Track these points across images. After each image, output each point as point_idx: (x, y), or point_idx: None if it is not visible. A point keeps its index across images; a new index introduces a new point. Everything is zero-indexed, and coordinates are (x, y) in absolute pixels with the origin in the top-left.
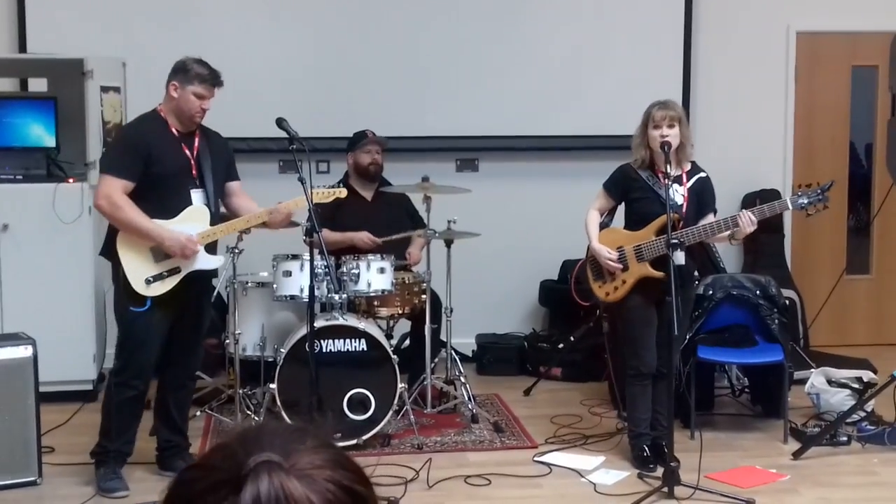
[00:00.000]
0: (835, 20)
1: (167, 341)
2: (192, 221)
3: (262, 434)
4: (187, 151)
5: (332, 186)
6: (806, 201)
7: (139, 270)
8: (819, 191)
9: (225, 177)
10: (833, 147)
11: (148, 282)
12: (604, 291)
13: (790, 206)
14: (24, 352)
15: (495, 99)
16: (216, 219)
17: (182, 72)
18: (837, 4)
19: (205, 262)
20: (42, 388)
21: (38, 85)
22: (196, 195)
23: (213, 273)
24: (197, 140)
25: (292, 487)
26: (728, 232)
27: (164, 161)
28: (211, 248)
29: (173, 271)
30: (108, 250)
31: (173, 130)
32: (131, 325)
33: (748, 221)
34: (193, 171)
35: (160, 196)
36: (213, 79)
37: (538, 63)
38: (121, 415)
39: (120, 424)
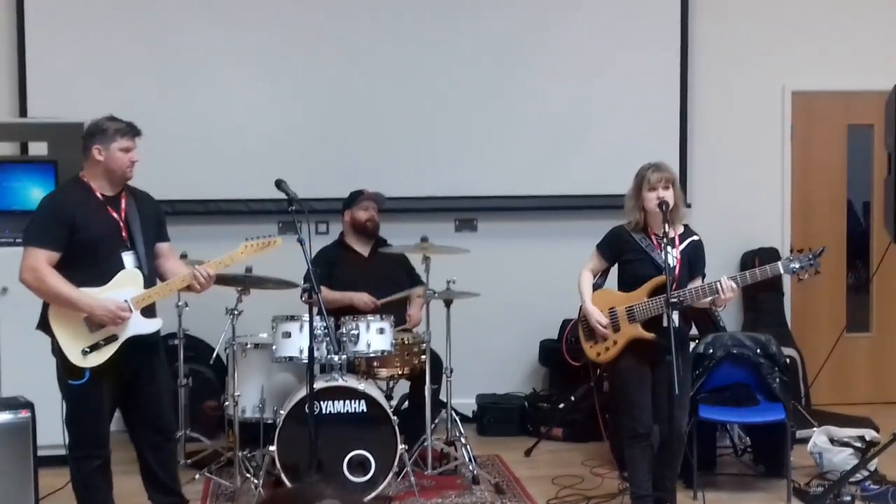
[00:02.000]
0: (829, 79)
1: (129, 407)
2: (126, 286)
3: (317, 486)
4: (114, 214)
5: (265, 237)
6: (798, 266)
7: (74, 341)
8: (811, 256)
9: (155, 238)
10: (831, 205)
11: (84, 352)
12: (595, 352)
13: (782, 271)
14: (22, 416)
15: (493, 159)
16: (150, 281)
17: (99, 133)
18: (832, 64)
19: (142, 326)
20: (40, 452)
21: (38, 149)
22: (128, 258)
23: (158, 335)
24: (124, 202)
25: None
26: (709, 298)
27: (90, 226)
28: (149, 311)
29: (110, 339)
30: (43, 323)
31: (98, 195)
32: (75, 399)
33: (728, 288)
34: (123, 234)
35: (90, 262)
36: (132, 129)
37: (536, 124)
38: (92, 486)
39: (94, 495)
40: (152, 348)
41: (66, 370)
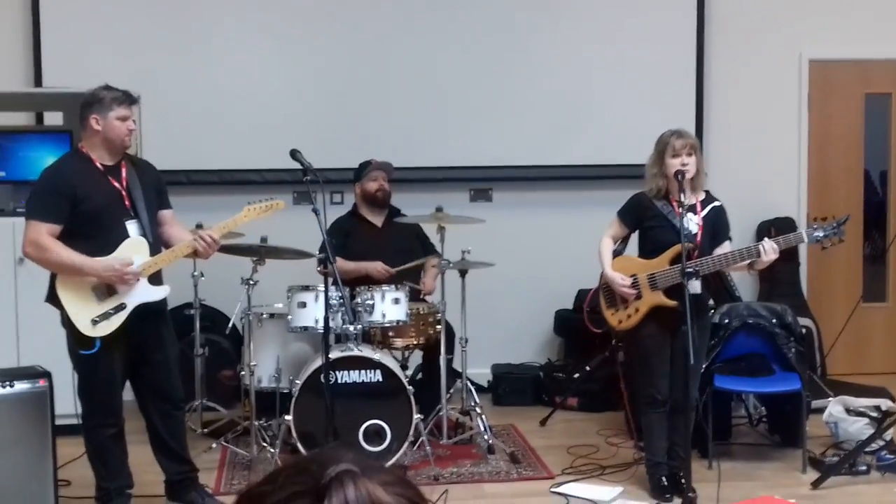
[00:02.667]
0: (847, 48)
1: (138, 376)
2: (131, 254)
3: (333, 451)
4: (116, 183)
5: (267, 199)
6: (822, 234)
7: (84, 312)
8: (835, 224)
9: (158, 205)
10: (847, 175)
11: (94, 322)
12: (616, 319)
13: (806, 240)
14: (39, 385)
15: (509, 129)
16: (156, 248)
17: (96, 103)
18: (850, 32)
19: (150, 293)
20: (58, 422)
21: (53, 118)
22: (131, 226)
23: (165, 303)
24: (124, 171)
25: (379, 494)
26: (747, 261)
27: (93, 197)
28: (155, 279)
29: (119, 308)
30: (52, 296)
31: (98, 165)
32: (87, 369)
33: (771, 249)
34: (126, 202)
35: (95, 232)
36: (128, 98)
37: (551, 93)
38: (107, 455)
39: (110, 464)
40: (160, 316)
41: (76, 341)
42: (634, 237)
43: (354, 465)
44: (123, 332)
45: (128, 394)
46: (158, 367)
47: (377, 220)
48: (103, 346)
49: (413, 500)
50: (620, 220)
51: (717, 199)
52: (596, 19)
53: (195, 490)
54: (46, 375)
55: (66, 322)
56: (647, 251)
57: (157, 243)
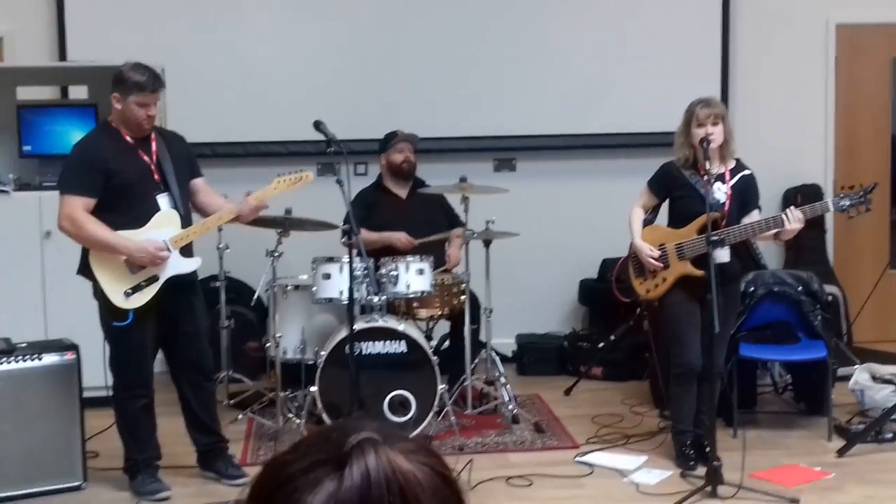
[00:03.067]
0: (875, 11)
1: (170, 347)
2: (163, 227)
3: (356, 421)
4: (145, 157)
5: (296, 171)
6: (848, 203)
7: (116, 284)
8: (862, 193)
9: (189, 176)
10: (875, 140)
11: (127, 294)
12: (644, 288)
13: (832, 208)
14: (68, 358)
15: (532, 98)
16: (187, 220)
17: (120, 83)
18: None
19: (182, 265)
20: (86, 394)
21: (78, 92)
22: (163, 199)
23: (196, 275)
24: (154, 144)
25: (400, 461)
26: (773, 231)
27: (124, 171)
28: (186, 251)
29: (151, 280)
30: (84, 268)
31: (127, 139)
32: (119, 341)
33: (796, 218)
34: (156, 176)
35: (127, 206)
36: (152, 84)
37: (575, 61)
38: (136, 426)
39: (139, 435)
40: (191, 288)
41: (109, 312)
42: (664, 208)
43: (376, 434)
44: (156, 304)
45: (158, 365)
46: (190, 338)
47: (402, 191)
48: (136, 318)
49: (436, 468)
50: (650, 190)
51: (747, 168)
52: None
53: (222, 460)
54: (74, 348)
55: (99, 294)
56: (675, 220)
57: (189, 215)
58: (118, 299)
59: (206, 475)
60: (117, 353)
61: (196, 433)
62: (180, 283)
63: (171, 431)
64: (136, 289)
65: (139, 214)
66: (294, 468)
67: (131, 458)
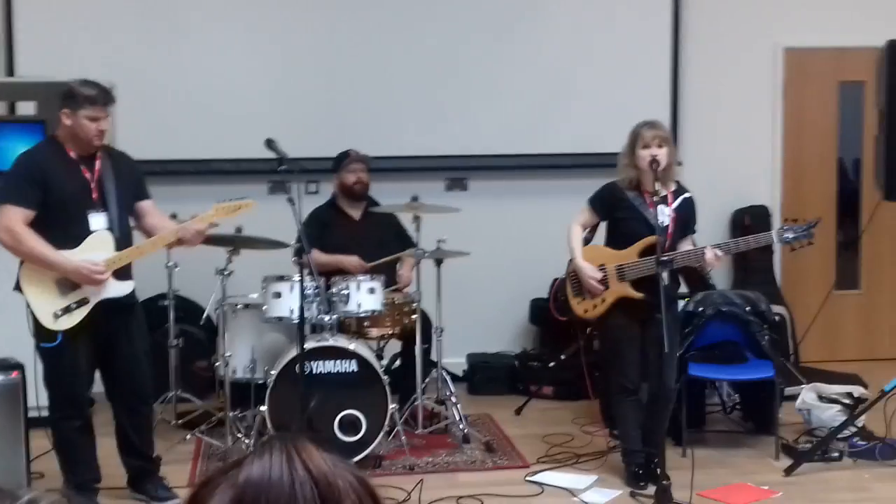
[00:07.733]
0: (822, 36)
1: (106, 369)
2: (96, 250)
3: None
4: (87, 174)
5: (237, 199)
6: (791, 236)
7: (46, 305)
8: (805, 227)
9: (133, 197)
10: (822, 163)
11: (56, 315)
12: (582, 308)
13: (775, 240)
14: (12, 377)
15: (484, 118)
16: (122, 243)
17: (70, 98)
18: (824, 20)
19: (115, 289)
20: (31, 414)
21: (26, 108)
22: (97, 219)
23: (134, 297)
24: (98, 162)
25: (309, 453)
26: (697, 263)
27: (61, 186)
28: (122, 273)
29: (81, 302)
30: (19, 285)
31: (71, 154)
32: (50, 361)
33: (712, 258)
34: (94, 195)
35: (62, 224)
36: (103, 98)
37: (526, 82)
38: (73, 447)
39: (74, 457)
40: (129, 310)
41: (38, 333)
42: (602, 228)
43: (287, 440)
44: (89, 326)
45: (99, 386)
46: (127, 361)
47: (355, 212)
48: (66, 339)
49: (366, 480)
50: (591, 209)
51: (687, 190)
52: (572, 10)
53: (151, 482)
54: (19, 367)
55: (29, 313)
56: (616, 241)
57: (128, 237)
58: (47, 320)
59: (137, 497)
60: (49, 373)
61: (126, 456)
62: (116, 306)
63: (112, 452)
64: (66, 310)
65: (73, 233)
66: (211, 473)
67: (70, 482)
